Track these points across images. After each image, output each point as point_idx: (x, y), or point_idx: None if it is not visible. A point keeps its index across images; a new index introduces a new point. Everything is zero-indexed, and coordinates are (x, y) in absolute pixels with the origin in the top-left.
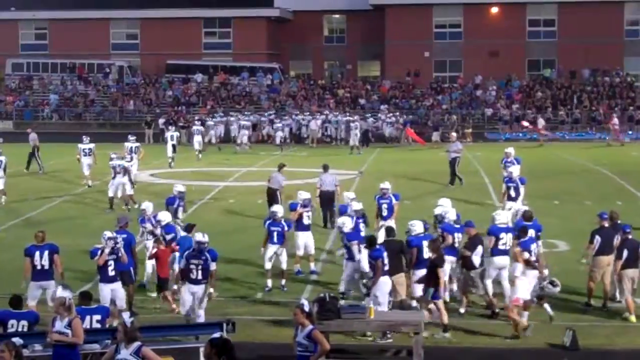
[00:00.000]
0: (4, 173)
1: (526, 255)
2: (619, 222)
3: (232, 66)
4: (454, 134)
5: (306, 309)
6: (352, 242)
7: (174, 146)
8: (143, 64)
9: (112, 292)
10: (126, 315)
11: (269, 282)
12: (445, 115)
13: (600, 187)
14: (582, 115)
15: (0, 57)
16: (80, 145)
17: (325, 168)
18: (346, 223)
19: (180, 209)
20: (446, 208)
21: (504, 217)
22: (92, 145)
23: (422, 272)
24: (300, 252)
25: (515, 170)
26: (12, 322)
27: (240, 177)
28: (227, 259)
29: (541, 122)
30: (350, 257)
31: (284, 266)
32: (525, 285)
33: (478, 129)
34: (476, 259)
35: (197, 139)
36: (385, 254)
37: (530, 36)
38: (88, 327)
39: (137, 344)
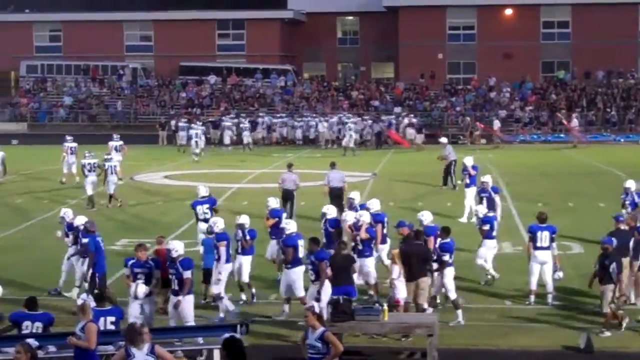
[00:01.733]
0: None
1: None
2: (637, 224)
3: (246, 68)
4: (444, 139)
5: (317, 310)
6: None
7: (196, 142)
8: (157, 66)
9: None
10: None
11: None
12: (459, 117)
13: (614, 189)
14: (596, 118)
15: (14, 59)
16: (65, 144)
17: (333, 165)
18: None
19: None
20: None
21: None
22: (75, 144)
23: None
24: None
25: (488, 180)
26: (27, 323)
27: (254, 179)
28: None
29: (575, 122)
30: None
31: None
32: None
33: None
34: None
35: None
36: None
37: (544, 38)
38: (102, 328)
39: (148, 344)
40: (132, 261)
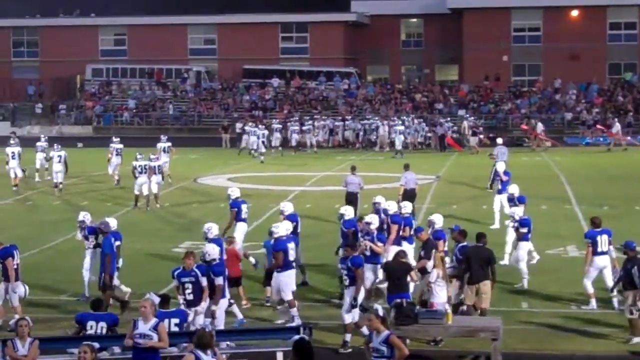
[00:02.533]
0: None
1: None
2: None
3: (309, 71)
4: (499, 139)
5: (380, 314)
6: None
7: (263, 142)
8: (220, 69)
9: None
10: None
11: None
12: (524, 120)
13: None
14: None
15: (80, 62)
16: (112, 145)
17: (407, 167)
18: (374, 221)
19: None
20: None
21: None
22: (122, 146)
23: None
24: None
25: (515, 190)
26: (91, 323)
27: (317, 182)
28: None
29: (617, 127)
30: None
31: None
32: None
33: (558, 133)
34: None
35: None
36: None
37: (610, 39)
38: (166, 329)
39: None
40: (178, 271)
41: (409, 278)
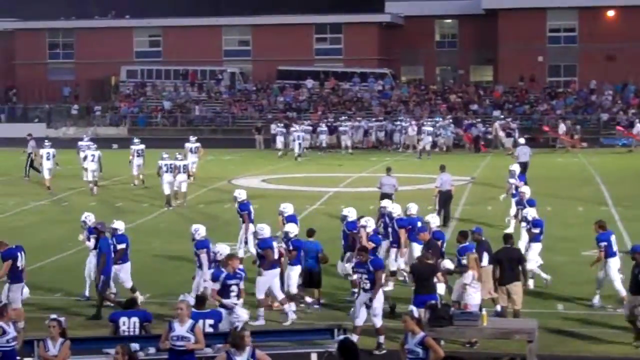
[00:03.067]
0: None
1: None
2: None
3: (343, 72)
4: (522, 139)
5: (416, 315)
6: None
7: (299, 144)
8: (254, 70)
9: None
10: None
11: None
12: (559, 121)
13: None
14: None
15: (115, 64)
16: (132, 147)
17: (443, 168)
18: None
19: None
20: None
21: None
22: (143, 146)
23: None
24: None
25: (526, 191)
26: (124, 319)
27: (352, 183)
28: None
29: (637, 127)
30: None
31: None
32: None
33: (594, 134)
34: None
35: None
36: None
37: None
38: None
39: (249, 348)
40: (222, 274)
41: (435, 279)
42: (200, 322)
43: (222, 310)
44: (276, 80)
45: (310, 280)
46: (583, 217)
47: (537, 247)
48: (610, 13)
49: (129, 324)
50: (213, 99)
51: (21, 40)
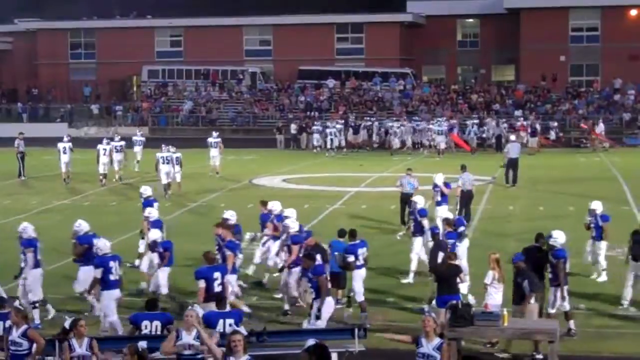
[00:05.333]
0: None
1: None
2: None
3: (365, 71)
4: (512, 136)
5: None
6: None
7: (332, 140)
8: (276, 70)
9: None
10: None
11: None
12: (581, 120)
13: None
14: None
15: (136, 64)
16: (112, 143)
17: (464, 168)
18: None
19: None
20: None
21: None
22: (123, 143)
23: None
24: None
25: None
26: (145, 322)
27: (373, 183)
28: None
29: (601, 127)
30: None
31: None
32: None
33: (616, 134)
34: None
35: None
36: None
37: None
38: (222, 330)
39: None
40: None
41: (458, 279)
42: (220, 321)
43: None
44: (297, 80)
45: (335, 281)
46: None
47: (465, 243)
48: (633, 12)
49: (150, 327)
50: (234, 99)
51: (43, 40)
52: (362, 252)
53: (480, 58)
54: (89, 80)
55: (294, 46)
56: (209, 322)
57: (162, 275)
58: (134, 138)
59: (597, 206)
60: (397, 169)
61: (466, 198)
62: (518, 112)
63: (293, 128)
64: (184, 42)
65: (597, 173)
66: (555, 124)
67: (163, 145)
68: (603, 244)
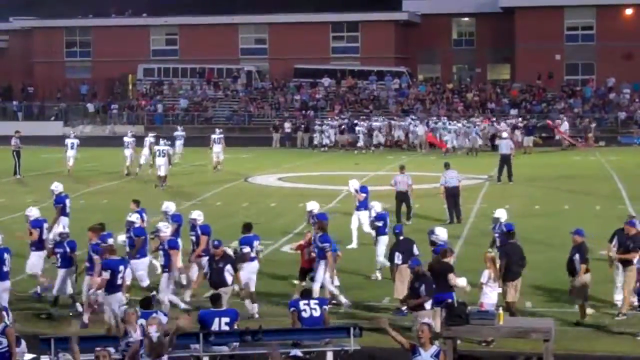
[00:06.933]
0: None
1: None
2: None
3: (360, 70)
4: (504, 134)
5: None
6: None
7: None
8: (271, 69)
9: None
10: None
11: None
12: (578, 119)
13: None
14: None
15: (132, 62)
16: (67, 140)
17: (447, 165)
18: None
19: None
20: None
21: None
22: (77, 141)
23: None
24: None
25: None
26: (217, 320)
27: (368, 181)
28: (351, 266)
29: (565, 125)
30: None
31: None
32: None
33: (611, 132)
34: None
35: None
36: None
37: None
38: (217, 328)
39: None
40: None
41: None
42: (216, 320)
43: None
44: (293, 79)
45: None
46: (600, 216)
47: (383, 239)
48: (629, 11)
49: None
50: (230, 98)
51: (39, 38)
52: (256, 244)
53: (476, 57)
54: (84, 78)
55: (289, 45)
56: (204, 320)
57: (59, 275)
58: (175, 133)
59: (502, 214)
60: (392, 168)
61: (452, 195)
62: (514, 111)
63: (288, 127)
64: (179, 40)
65: (593, 172)
66: (594, 124)
67: (160, 139)
68: None
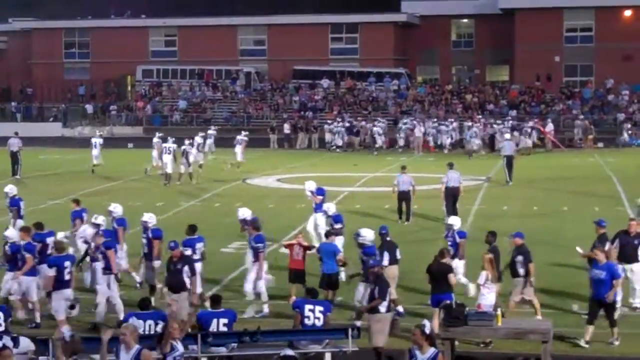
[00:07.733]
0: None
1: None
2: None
3: (359, 71)
4: (507, 134)
5: (427, 330)
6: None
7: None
8: (270, 70)
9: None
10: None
11: None
12: (576, 121)
13: None
14: None
15: (131, 63)
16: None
17: (451, 165)
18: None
19: None
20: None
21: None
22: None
23: None
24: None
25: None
26: (215, 321)
27: (367, 183)
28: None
29: (550, 126)
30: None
31: None
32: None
33: (610, 134)
34: None
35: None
36: None
37: None
38: (215, 329)
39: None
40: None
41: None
42: (214, 321)
43: None
44: (292, 80)
45: (328, 282)
46: (599, 217)
47: (340, 240)
48: (627, 13)
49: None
50: (229, 99)
51: (37, 39)
52: (199, 246)
53: (475, 58)
54: (83, 79)
55: (288, 46)
56: (203, 321)
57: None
58: (238, 137)
59: (455, 222)
60: (391, 169)
61: (451, 195)
62: (512, 113)
63: (286, 128)
64: (178, 41)
65: (591, 173)
66: (629, 125)
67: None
68: (461, 264)
